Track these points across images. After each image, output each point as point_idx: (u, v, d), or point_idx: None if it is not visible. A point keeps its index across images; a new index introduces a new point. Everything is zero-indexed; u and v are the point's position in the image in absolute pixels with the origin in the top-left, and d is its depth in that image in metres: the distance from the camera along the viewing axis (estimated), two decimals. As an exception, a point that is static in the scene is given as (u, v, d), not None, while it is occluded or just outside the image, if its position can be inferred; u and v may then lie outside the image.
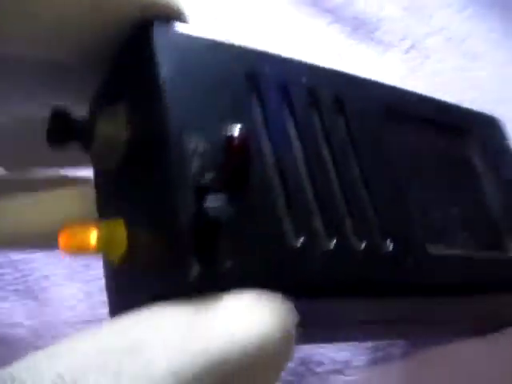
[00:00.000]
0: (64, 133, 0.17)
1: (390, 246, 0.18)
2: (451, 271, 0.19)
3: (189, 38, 0.17)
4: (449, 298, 0.20)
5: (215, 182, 0.15)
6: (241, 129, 0.16)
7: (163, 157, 0.15)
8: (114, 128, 0.17)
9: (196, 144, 0.15)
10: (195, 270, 0.14)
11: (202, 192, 0.15)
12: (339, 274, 0.17)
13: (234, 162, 0.16)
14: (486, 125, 0.25)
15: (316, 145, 0.18)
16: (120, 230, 0.17)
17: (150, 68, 0.16)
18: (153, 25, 0.16)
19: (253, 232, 0.16)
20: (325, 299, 0.17)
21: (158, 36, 0.16)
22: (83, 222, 0.17)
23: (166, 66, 0.16)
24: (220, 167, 0.15)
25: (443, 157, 0.23)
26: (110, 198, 0.18)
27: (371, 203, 0.18)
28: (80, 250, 0.17)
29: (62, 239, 0.17)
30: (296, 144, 0.18)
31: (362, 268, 0.17)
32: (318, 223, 0.17)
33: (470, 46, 0.37)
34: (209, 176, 0.15)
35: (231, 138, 0.16)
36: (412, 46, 0.38)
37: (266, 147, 0.17)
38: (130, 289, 0.17)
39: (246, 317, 0.14)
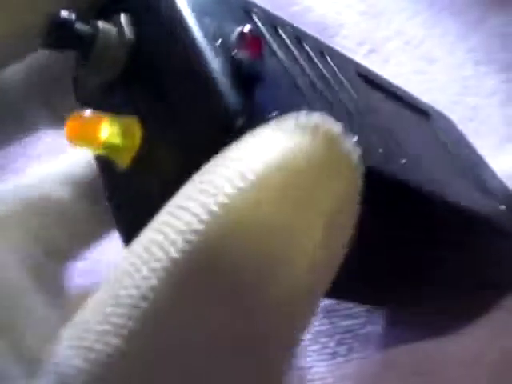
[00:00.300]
0: (65, 39, 0.16)
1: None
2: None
3: None
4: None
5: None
6: (251, 27, 0.16)
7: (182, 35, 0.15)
8: (119, 31, 0.17)
9: (214, 30, 0.16)
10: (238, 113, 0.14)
11: (235, 61, 0.15)
12: None
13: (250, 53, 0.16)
14: (443, 117, 0.27)
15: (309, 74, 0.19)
16: (135, 126, 0.16)
17: None
18: None
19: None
20: None
21: None
22: (92, 113, 0.16)
23: None
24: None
25: (413, 123, 0.25)
26: (110, 105, 0.17)
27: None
28: (87, 142, 0.16)
29: (69, 127, 0.16)
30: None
31: None
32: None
33: (427, 50, 0.39)
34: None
35: (244, 32, 0.16)
36: (371, 51, 0.39)
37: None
38: (147, 189, 0.16)
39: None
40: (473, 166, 0.26)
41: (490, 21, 0.39)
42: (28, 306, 0.16)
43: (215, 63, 0.15)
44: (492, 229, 0.23)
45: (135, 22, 0.17)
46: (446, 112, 0.31)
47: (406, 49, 0.39)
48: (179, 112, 0.15)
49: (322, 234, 0.12)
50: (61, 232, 0.18)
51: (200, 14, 0.16)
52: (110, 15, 0.17)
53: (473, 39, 0.39)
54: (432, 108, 0.28)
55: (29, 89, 0.20)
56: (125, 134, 0.16)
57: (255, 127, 0.14)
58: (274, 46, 0.18)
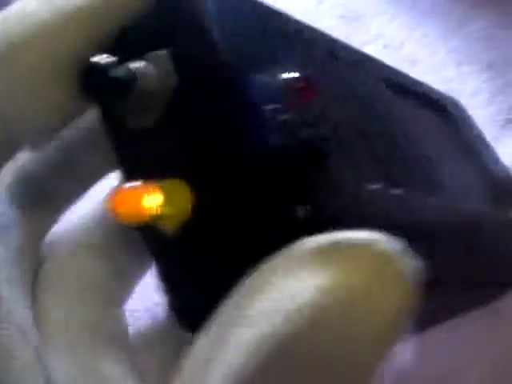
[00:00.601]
0: (101, 88, 0.15)
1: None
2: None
3: None
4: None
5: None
6: (301, 73, 0.15)
7: (231, 94, 0.14)
8: (160, 76, 0.15)
9: (258, 81, 0.14)
10: (302, 209, 0.13)
11: (291, 125, 0.14)
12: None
13: (306, 100, 0.15)
14: (457, 107, 0.27)
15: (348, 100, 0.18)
16: (184, 190, 0.14)
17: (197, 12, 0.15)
18: None
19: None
20: None
21: None
22: (137, 184, 0.15)
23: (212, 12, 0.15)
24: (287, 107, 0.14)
25: (433, 130, 0.24)
26: (150, 161, 0.16)
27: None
28: (136, 215, 0.14)
29: (116, 202, 0.14)
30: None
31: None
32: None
33: (408, 52, 0.38)
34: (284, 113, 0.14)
35: (299, 79, 0.15)
36: (351, 55, 0.38)
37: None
38: (202, 260, 0.15)
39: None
40: (486, 163, 0.26)
41: (471, 24, 0.39)
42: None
43: (274, 140, 0.13)
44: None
45: (175, 61, 0.15)
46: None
47: (386, 52, 0.38)
48: (233, 181, 0.14)
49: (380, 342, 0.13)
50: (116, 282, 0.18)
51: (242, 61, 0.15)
52: (141, 50, 0.16)
53: (454, 40, 0.38)
54: (446, 97, 0.27)
55: (88, 142, 0.19)
56: (173, 200, 0.14)
57: (317, 216, 0.13)
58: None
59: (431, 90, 0.26)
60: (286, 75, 0.15)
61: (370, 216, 0.16)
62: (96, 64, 0.15)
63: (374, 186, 0.16)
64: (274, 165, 0.14)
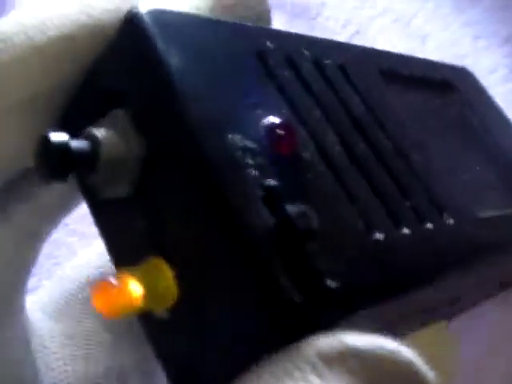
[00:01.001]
0: (66, 164, 0.13)
1: (449, 219, 0.17)
2: (499, 232, 0.19)
3: (182, 16, 0.14)
4: (496, 257, 0.19)
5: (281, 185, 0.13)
6: (280, 118, 0.13)
7: (206, 164, 0.12)
8: (124, 142, 0.13)
9: (234, 139, 0.13)
10: (296, 297, 0.12)
11: (274, 200, 0.12)
12: (425, 259, 0.15)
13: (286, 152, 0.13)
14: (465, 78, 0.25)
15: (342, 120, 0.16)
16: (165, 271, 0.13)
17: (152, 59, 0.13)
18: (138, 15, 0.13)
19: (335, 239, 0.13)
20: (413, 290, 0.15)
21: (151, 20, 0.13)
22: (116, 277, 0.13)
23: (170, 53, 0.13)
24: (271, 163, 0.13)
25: (443, 116, 0.22)
26: (126, 237, 0.15)
27: (416, 178, 0.17)
28: (123, 311, 0.13)
29: (98, 302, 0.13)
30: (324, 124, 0.15)
31: (441, 248, 0.16)
32: (380, 212, 0.15)
33: (418, 26, 0.35)
34: (269, 178, 0.13)
35: (275, 126, 0.13)
36: (357, 31, 0.36)
37: (301, 133, 0.14)
38: (194, 345, 0.13)
39: None
40: (504, 151, 0.24)
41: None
42: None
43: (255, 217, 0.12)
44: None
45: (136, 122, 0.13)
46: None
47: (394, 27, 0.35)
48: (212, 256, 0.12)
49: None
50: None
51: (215, 116, 0.13)
52: (93, 116, 0.14)
53: (470, 12, 0.35)
54: (453, 71, 0.25)
55: None
56: (155, 286, 0.13)
57: (315, 300, 0.12)
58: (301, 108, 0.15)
59: (431, 68, 0.24)
60: (265, 122, 0.13)
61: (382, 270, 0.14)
62: (52, 139, 0.13)
63: (380, 235, 0.14)
64: (258, 240, 0.12)
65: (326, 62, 0.17)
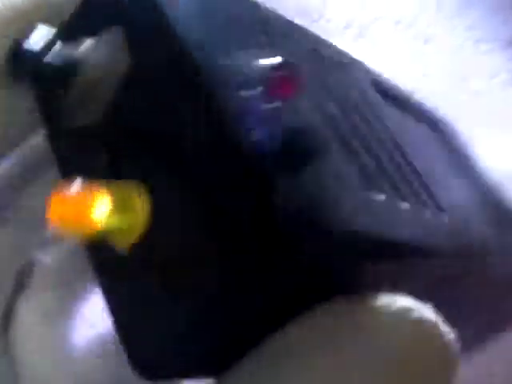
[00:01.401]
0: (36, 76, 0.12)
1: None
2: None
3: None
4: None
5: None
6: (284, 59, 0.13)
7: (196, 82, 0.12)
8: (109, 58, 0.12)
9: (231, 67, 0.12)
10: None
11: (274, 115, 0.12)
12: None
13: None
14: (446, 124, 0.27)
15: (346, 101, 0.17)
16: (140, 195, 0.11)
17: None
18: None
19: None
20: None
21: None
22: (82, 186, 0.11)
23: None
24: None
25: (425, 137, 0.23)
26: (98, 159, 0.13)
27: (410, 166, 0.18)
28: (79, 227, 0.11)
29: (54, 210, 0.11)
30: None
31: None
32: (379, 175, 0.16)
33: (421, 29, 0.35)
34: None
35: (282, 65, 0.13)
36: (359, 34, 0.36)
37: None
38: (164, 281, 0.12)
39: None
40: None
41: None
42: None
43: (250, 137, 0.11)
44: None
45: (130, 41, 0.12)
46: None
47: (397, 29, 0.35)
48: (199, 179, 0.11)
49: None
50: None
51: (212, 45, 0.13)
52: (95, 26, 0.13)
53: (472, 15, 0.35)
54: (436, 116, 0.27)
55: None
56: (127, 208, 0.11)
57: (295, 204, 0.12)
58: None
59: (423, 105, 0.26)
60: (265, 60, 0.13)
61: (379, 226, 0.14)
62: (26, 47, 0.12)
63: (381, 197, 0.14)
64: (257, 164, 0.11)
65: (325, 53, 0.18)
